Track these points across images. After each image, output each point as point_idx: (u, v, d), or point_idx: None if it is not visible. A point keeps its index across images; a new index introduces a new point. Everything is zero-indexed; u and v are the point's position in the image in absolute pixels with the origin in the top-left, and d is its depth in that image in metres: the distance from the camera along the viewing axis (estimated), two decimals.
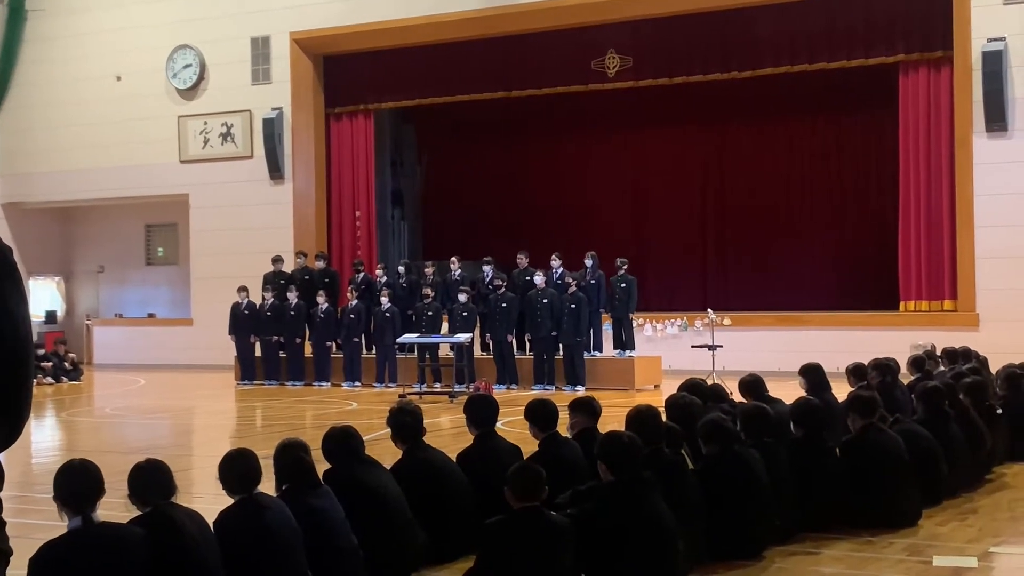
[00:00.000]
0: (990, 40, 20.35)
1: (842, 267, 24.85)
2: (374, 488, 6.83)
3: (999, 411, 11.00)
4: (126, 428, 17.05)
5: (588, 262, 20.44)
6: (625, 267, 20.49)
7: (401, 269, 22.41)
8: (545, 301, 19.69)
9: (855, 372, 11.24)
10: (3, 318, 2.25)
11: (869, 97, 23.99)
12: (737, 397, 10.19)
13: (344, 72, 26.20)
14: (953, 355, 13.87)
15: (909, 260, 21.64)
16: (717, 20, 22.89)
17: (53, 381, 23.22)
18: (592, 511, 6.43)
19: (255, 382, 22.14)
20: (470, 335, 19.79)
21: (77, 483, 5.26)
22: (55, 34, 28.40)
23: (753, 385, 9.85)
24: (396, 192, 28.30)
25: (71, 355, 24.52)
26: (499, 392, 18.67)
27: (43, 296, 29.13)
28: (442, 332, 20.31)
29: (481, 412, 7.99)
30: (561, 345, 19.86)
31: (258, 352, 22.43)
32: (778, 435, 8.23)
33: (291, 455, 6.43)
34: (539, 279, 20.02)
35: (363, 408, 17.54)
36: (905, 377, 12.20)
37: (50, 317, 29.06)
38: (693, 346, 20.19)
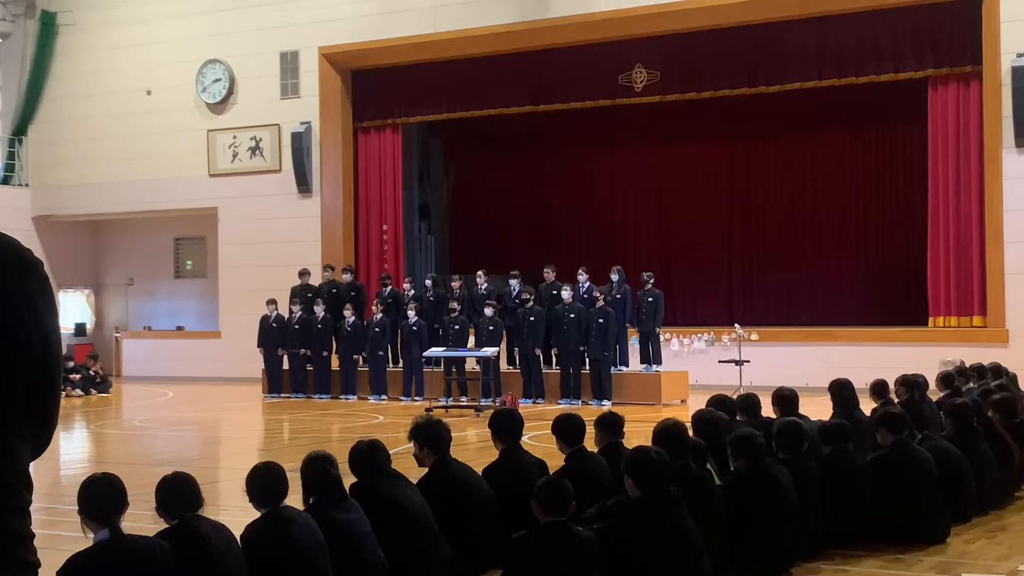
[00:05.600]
0: (1020, 55, 20.25)
1: (870, 282, 24.76)
2: (400, 502, 6.84)
3: None
4: (154, 440, 17.12)
5: (614, 276, 20.42)
6: (652, 281, 20.45)
7: (428, 283, 22.45)
8: (572, 315, 19.68)
9: (876, 389, 11.16)
10: (36, 334, 2.27)
11: (898, 112, 23.91)
12: (766, 411, 10.12)
13: (372, 86, 26.29)
14: (982, 371, 13.78)
15: (938, 276, 21.53)
16: (744, 35, 22.85)
17: (82, 393, 23.32)
18: (618, 526, 6.43)
19: (282, 395, 22.20)
20: (496, 349, 19.79)
21: (102, 496, 5.28)
22: (86, 48, 28.62)
23: (786, 400, 9.78)
24: (423, 206, 28.37)
25: (99, 367, 24.59)
26: (525, 406, 18.67)
27: (73, 309, 29.30)
28: (469, 346, 20.31)
29: (506, 426, 7.99)
30: (588, 359, 19.84)
31: (285, 365, 22.49)
32: (807, 451, 8.20)
33: (318, 468, 6.45)
34: (566, 293, 20.01)
35: (389, 422, 17.55)
36: (934, 393, 12.13)
37: (80, 330, 29.22)
38: (720, 361, 20.13)
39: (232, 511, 8.13)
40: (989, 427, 9.98)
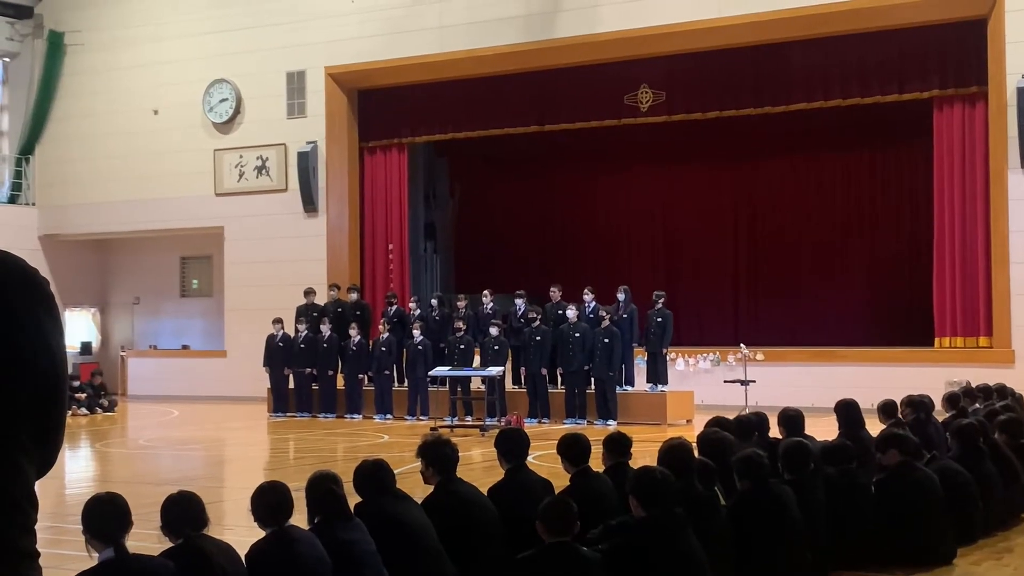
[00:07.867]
0: None
1: (876, 303, 24.74)
2: (405, 521, 6.83)
3: None
4: (159, 459, 17.12)
5: (620, 296, 20.42)
6: (662, 301, 20.45)
7: (434, 302, 22.45)
8: (577, 335, 19.67)
9: (885, 410, 11.16)
10: (42, 352, 2.27)
11: (903, 132, 23.94)
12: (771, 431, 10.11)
13: (378, 106, 26.34)
14: (988, 392, 13.77)
15: (944, 296, 21.50)
16: (750, 55, 22.89)
17: (88, 412, 23.32)
18: (623, 546, 6.41)
19: (287, 414, 22.20)
20: (501, 368, 19.79)
21: (107, 516, 5.29)
22: (93, 68, 28.71)
23: (792, 420, 9.77)
24: (429, 225, 28.40)
25: (104, 385, 24.59)
26: (531, 426, 18.65)
27: (79, 327, 29.31)
28: (474, 365, 20.31)
29: (512, 446, 7.97)
30: (593, 379, 19.82)
31: (291, 384, 22.49)
32: (813, 471, 8.19)
33: (323, 487, 6.44)
34: (572, 313, 20.01)
35: (394, 441, 17.54)
36: (940, 414, 12.12)
37: (85, 348, 29.23)
38: (726, 381, 20.10)
39: (237, 530, 8.13)
40: (995, 448, 9.97)
